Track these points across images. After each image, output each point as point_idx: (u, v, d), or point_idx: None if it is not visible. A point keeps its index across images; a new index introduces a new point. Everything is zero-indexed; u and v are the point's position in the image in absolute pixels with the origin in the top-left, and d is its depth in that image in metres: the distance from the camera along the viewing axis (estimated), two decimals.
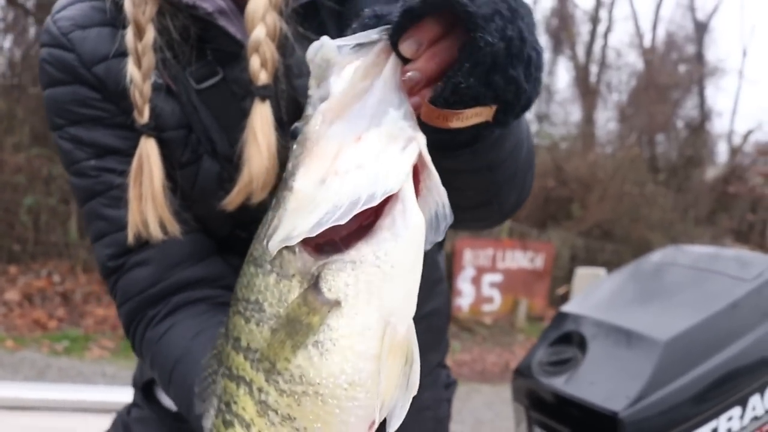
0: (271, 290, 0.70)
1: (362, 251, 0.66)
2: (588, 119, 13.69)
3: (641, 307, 1.98)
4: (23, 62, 8.81)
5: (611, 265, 11.43)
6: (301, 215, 0.66)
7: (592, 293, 1.92)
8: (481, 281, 9.33)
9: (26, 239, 7.90)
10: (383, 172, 0.65)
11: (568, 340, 1.57)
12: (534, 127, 13.95)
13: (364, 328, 0.66)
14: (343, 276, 0.66)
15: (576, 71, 14.18)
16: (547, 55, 14.27)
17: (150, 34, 0.98)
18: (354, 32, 0.71)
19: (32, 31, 9.07)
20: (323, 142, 0.67)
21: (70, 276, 7.77)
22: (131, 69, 0.98)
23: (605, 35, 14.59)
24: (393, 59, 0.68)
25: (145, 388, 1.25)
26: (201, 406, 0.78)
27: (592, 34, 14.51)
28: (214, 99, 1.02)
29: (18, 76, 8.79)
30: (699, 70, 15.22)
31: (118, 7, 1.00)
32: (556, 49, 14.47)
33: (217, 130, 1.03)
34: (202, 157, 1.04)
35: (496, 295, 9.51)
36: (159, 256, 1.04)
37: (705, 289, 2.17)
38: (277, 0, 0.96)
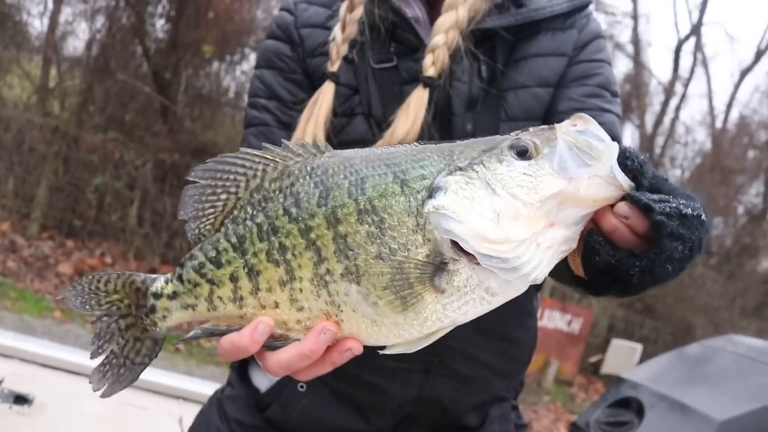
0: (404, 231, 0.83)
1: (484, 276, 0.83)
2: None
3: (696, 385, 2.01)
4: (113, 47, 9.14)
5: (648, 341, 11.19)
6: (489, 240, 0.81)
7: (650, 365, 1.97)
8: None
9: (88, 217, 8.22)
10: (544, 263, 0.82)
11: (626, 405, 1.63)
12: None
13: (440, 318, 0.85)
14: (464, 282, 0.83)
15: (641, 140, 14.08)
16: None
17: (358, 11, 1.28)
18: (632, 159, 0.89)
19: (124, 16, 9.27)
20: (540, 214, 0.81)
21: (121, 260, 8.04)
22: (336, 31, 1.28)
23: (677, 109, 14.51)
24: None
25: (240, 368, 1.37)
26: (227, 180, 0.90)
27: (664, 106, 14.44)
28: (384, 77, 1.29)
29: (105, 59, 9.07)
30: None
31: None
32: (624, 114, 14.43)
33: (378, 99, 1.28)
34: (356, 116, 1.27)
35: None
36: None
37: (758, 380, 2.20)
38: (462, 22, 1.23)
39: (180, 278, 0.92)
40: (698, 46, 14.42)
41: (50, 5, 9.30)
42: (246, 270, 0.87)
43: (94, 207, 8.22)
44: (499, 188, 0.82)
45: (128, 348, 0.95)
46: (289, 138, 1.23)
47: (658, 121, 14.16)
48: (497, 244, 0.80)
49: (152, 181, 8.21)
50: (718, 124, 15.02)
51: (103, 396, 0.96)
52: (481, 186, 0.82)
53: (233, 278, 0.88)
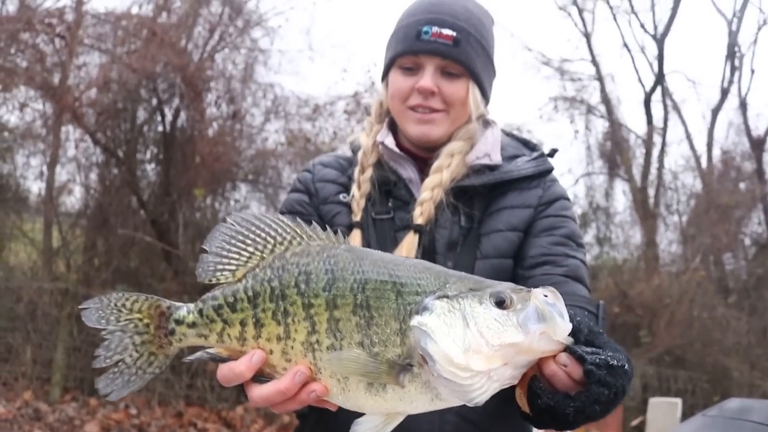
0: (387, 331, 1.02)
1: (438, 384, 1.01)
2: (650, 242, 13.61)
3: None
4: (109, 203, 9.38)
5: (686, 393, 10.94)
6: (453, 364, 0.98)
7: None
8: None
9: None
10: (489, 392, 1.01)
11: None
12: (595, 251, 13.93)
13: (394, 407, 1.05)
14: (422, 385, 1.02)
15: (633, 194, 14.27)
16: (602, 178, 14.54)
17: (369, 172, 1.61)
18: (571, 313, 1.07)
19: (115, 169, 9.58)
20: (498, 355, 0.99)
21: (146, 408, 8.01)
22: (354, 189, 1.61)
23: (660, 158, 14.78)
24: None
25: None
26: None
27: (647, 157, 14.71)
28: (381, 226, 1.58)
29: (103, 214, 9.29)
30: (760, 187, 15.08)
31: (349, 162, 1.69)
32: (612, 171, 14.68)
33: (375, 242, 1.56)
34: None
35: None
36: None
37: None
38: (445, 182, 1.55)
39: (200, 312, 1.11)
40: (666, 95, 14.87)
41: (45, 170, 9.64)
42: (254, 320, 1.07)
43: None
44: (472, 324, 0.99)
45: (142, 360, 1.12)
46: None
47: (645, 173, 14.40)
48: (459, 369, 0.97)
49: None
50: (703, 164, 15.27)
51: (111, 398, 1.11)
52: (460, 317, 1.00)
53: (242, 323, 1.07)
